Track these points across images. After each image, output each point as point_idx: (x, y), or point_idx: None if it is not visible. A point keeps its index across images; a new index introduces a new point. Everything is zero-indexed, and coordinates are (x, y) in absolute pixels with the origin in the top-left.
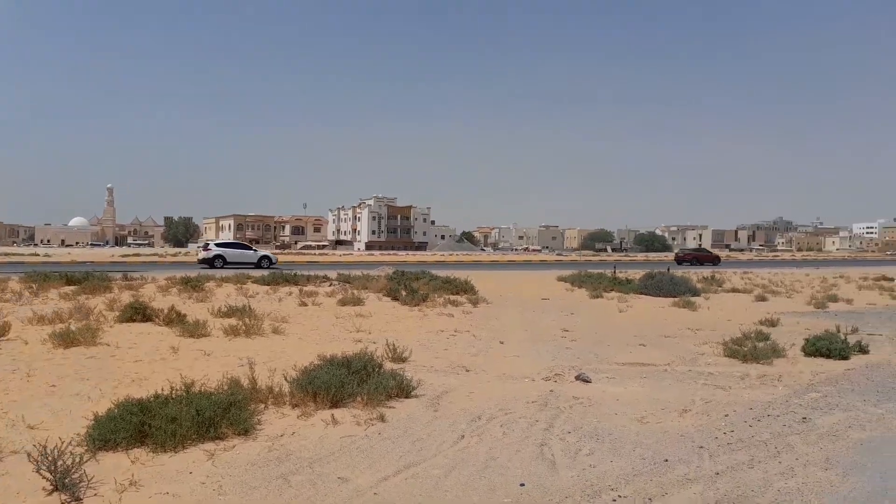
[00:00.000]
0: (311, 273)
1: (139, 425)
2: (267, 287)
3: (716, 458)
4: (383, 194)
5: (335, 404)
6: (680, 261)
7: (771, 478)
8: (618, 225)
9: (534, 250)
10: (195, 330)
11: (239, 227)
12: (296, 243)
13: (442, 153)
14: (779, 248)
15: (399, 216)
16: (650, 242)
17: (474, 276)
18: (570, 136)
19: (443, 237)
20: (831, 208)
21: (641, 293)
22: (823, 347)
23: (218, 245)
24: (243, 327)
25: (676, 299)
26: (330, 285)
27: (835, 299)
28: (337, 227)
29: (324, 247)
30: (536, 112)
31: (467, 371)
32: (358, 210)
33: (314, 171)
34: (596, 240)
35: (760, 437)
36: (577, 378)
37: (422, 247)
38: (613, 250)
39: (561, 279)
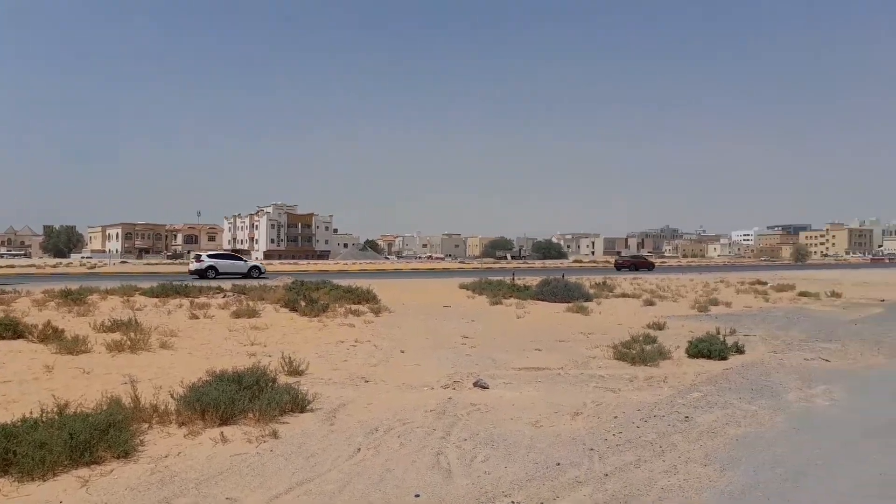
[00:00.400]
0: (279, 281)
1: (3, 453)
2: (156, 299)
3: (605, 459)
4: (283, 201)
5: (225, 422)
6: (619, 267)
7: (655, 476)
8: (517, 233)
9: (437, 258)
10: (74, 346)
11: (127, 236)
12: (188, 253)
13: (345, 160)
14: (666, 254)
15: (300, 224)
16: (547, 250)
17: (377, 284)
18: (470, 144)
19: (346, 245)
20: (713, 217)
21: (538, 299)
22: (705, 349)
23: (210, 256)
24: (128, 342)
25: (570, 304)
26: (224, 297)
27: (716, 303)
28: (233, 235)
29: None
30: (438, 119)
31: (366, 382)
32: (256, 218)
33: (209, 179)
34: (496, 247)
35: (647, 438)
36: (475, 385)
37: (324, 255)
38: (513, 258)
39: (463, 286)
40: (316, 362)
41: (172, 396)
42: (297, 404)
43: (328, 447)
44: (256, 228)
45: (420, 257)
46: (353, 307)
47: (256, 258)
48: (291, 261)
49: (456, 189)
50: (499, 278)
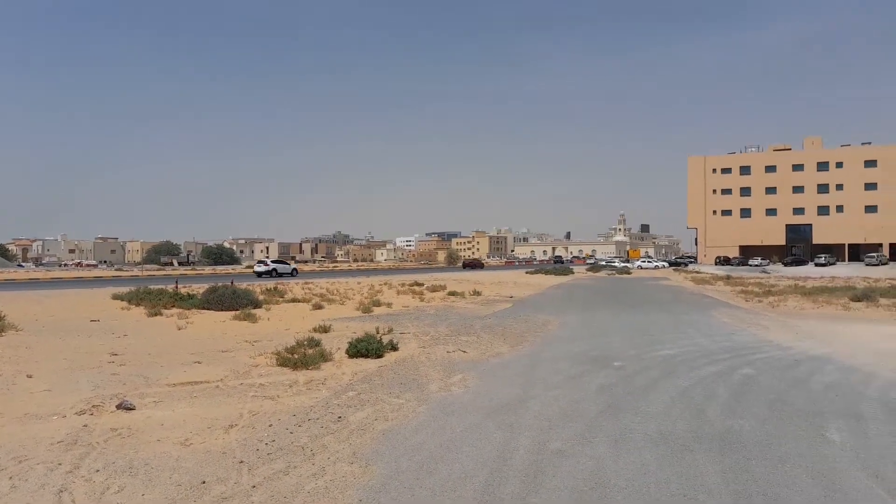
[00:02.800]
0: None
1: None
2: None
3: (255, 470)
4: None
5: None
6: (465, 266)
7: (304, 481)
8: (184, 237)
9: (88, 265)
10: None
11: None
12: None
13: None
14: (338, 259)
15: None
16: (218, 255)
17: (3, 297)
18: (131, 140)
19: None
20: (380, 224)
21: (204, 308)
22: (363, 348)
23: (273, 262)
24: None
25: (238, 312)
26: None
27: (378, 304)
28: None
29: None
30: (95, 115)
31: None
32: None
33: None
34: (161, 253)
35: (299, 442)
36: (119, 407)
37: None
38: (180, 264)
39: (117, 297)
40: None
41: None
42: None
43: None
44: None
45: (66, 264)
46: None
47: None
48: None
49: (112, 188)
50: (161, 287)
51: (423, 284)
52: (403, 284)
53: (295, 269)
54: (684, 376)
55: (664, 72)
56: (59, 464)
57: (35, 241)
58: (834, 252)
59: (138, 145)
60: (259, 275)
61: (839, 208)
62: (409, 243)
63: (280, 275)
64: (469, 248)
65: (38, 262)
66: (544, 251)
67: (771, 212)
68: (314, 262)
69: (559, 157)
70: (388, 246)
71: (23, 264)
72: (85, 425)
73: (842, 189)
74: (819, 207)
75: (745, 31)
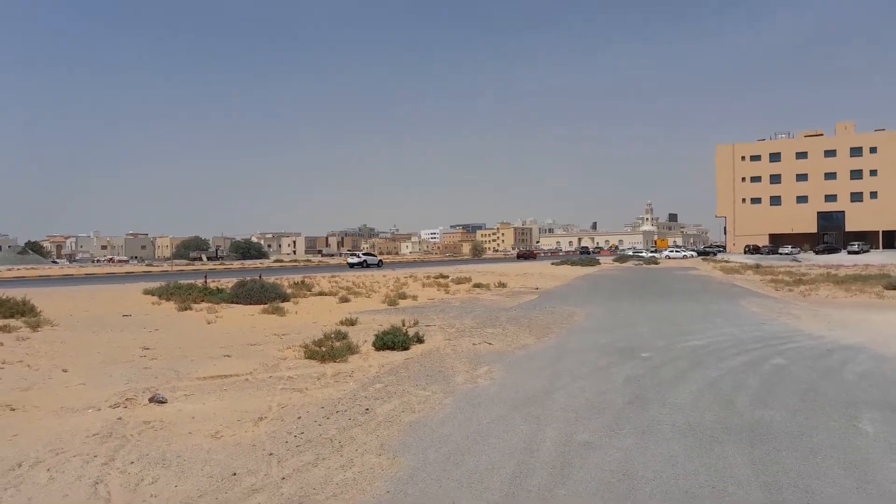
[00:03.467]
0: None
1: None
2: None
3: (284, 462)
4: None
5: None
6: (519, 256)
7: (332, 473)
8: (213, 232)
9: (120, 261)
10: None
11: None
12: None
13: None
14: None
15: None
16: (247, 250)
17: (38, 293)
18: (157, 137)
19: None
20: (404, 216)
21: (233, 302)
22: (390, 341)
23: (364, 254)
24: None
25: (266, 306)
26: None
27: (404, 296)
28: None
29: None
30: (111, 109)
31: (13, 410)
32: None
33: None
34: (190, 248)
35: (327, 434)
36: (152, 400)
37: None
38: (209, 259)
39: (148, 292)
40: None
41: None
42: None
43: None
44: None
45: (98, 260)
46: (2, 322)
47: None
48: None
49: (142, 184)
50: (190, 281)
51: (448, 277)
52: (429, 277)
53: (381, 260)
54: (713, 367)
55: (690, 62)
56: (95, 456)
57: (68, 237)
58: (868, 239)
59: (150, 144)
60: (352, 266)
61: (873, 194)
62: (433, 236)
63: (369, 265)
64: (494, 240)
65: (71, 258)
66: (570, 242)
67: (802, 199)
68: (341, 256)
69: (584, 147)
70: (413, 238)
71: (57, 261)
72: (119, 418)
73: (876, 175)
74: (852, 194)
75: (759, 22)
